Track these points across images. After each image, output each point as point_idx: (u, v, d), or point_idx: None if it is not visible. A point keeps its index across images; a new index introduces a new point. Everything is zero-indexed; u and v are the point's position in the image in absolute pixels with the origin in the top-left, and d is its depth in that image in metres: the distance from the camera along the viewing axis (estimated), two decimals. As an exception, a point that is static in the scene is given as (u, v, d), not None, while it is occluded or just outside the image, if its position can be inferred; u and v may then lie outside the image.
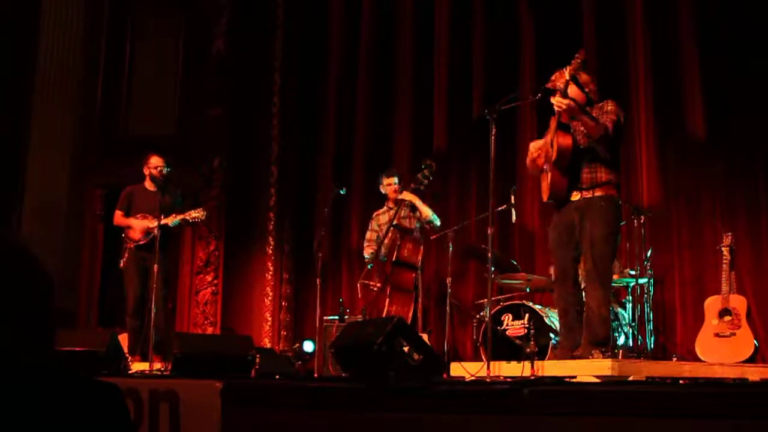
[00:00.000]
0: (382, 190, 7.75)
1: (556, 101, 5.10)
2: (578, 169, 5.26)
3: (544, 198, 5.54)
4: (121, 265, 7.52)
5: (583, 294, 5.46)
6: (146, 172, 7.66)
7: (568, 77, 5.14)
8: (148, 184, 7.65)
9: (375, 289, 7.21)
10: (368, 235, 7.80)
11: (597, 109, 5.30)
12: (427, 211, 7.41)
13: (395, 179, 7.66)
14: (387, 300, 7.00)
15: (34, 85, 9.20)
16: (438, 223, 7.48)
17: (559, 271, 5.44)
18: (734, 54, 7.42)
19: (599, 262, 5.19)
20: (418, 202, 7.41)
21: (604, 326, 5.15)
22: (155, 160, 7.63)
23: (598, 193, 5.23)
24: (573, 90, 5.25)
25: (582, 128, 5.22)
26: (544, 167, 5.45)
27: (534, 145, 5.57)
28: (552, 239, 5.48)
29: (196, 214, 7.48)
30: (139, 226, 7.46)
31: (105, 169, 9.42)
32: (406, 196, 7.37)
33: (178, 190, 7.85)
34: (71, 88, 9.35)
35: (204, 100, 9.77)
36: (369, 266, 7.30)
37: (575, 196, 5.29)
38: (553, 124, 5.33)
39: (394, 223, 7.28)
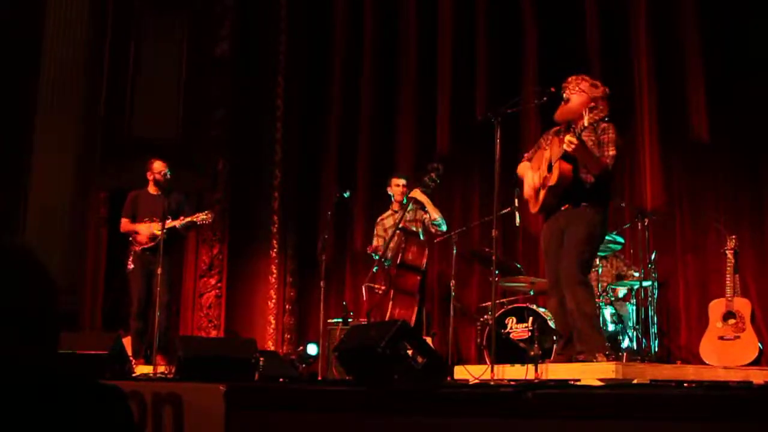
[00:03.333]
0: (389, 191, 7.73)
1: (568, 139, 5.03)
2: (572, 193, 5.26)
3: (533, 210, 5.55)
4: (130, 267, 7.53)
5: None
6: (150, 177, 7.66)
7: (586, 124, 5.04)
8: (152, 189, 7.65)
9: (380, 292, 7.20)
10: (375, 242, 7.77)
11: (597, 132, 5.26)
12: (435, 213, 7.39)
13: (404, 180, 7.65)
14: (390, 303, 6.99)
15: (38, 87, 9.21)
16: (445, 227, 7.45)
17: (552, 280, 5.42)
18: (738, 57, 7.41)
19: (575, 262, 5.16)
20: (428, 203, 7.38)
21: (587, 322, 5.10)
22: (158, 165, 7.61)
23: (584, 203, 5.24)
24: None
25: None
26: (536, 182, 5.47)
27: (528, 179, 5.54)
28: (544, 249, 5.48)
29: (203, 216, 7.48)
30: (146, 231, 7.46)
31: (109, 172, 9.42)
32: (418, 195, 7.32)
33: (181, 194, 7.85)
34: (75, 90, 9.36)
35: (208, 102, 9.78)
36: (385, 262, 7.23)
37: (565, 206, 5.30)
38: (557, 146, 5.25)
39: (400, 225, 7.26)
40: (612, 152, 5.17)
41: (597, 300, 6.25)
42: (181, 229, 7.50)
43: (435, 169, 7.24)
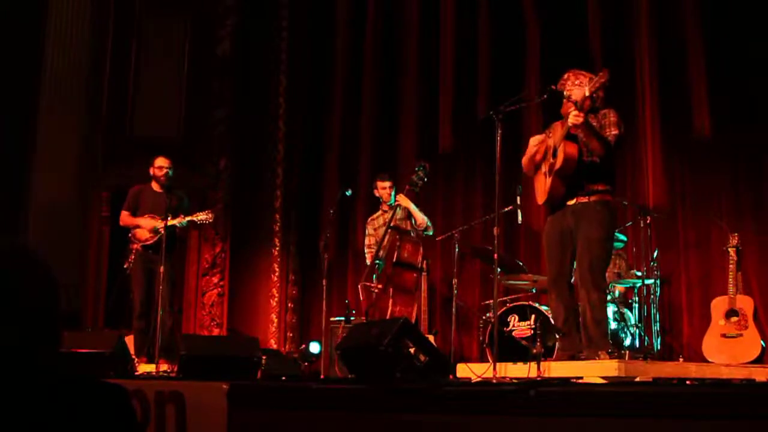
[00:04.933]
0: (376, 194, 7.74)
1: (573, 116, 5.06)
2: (578, 178, 5.25)
3: (540, 201, 5.54)
4: (126, 266, 7.52)
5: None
6: (151, 172, 7.67)
7: (587, 94, 5.10)
8: (155, 185, 7.65)
9: (376, 290, 7.20)
10: (367, 241, 7.79)
11: (598, 118, 5.28)
12: (421, 218, 7.35)
13: (390, 182, 7.64)
14: (390, 301, 7.00)
15: (40, 86, 9.21)
16: (431, 231, 7.45)
17: (554, 274, 5.41)
18: (741, 54, 7.40)
19: (593, 265, 5.17)
20: (412, 208, 7.37)
21: (599, 329, 5.14)
22: (160, 161, 7.62)
23: (594, 199, 5.23)
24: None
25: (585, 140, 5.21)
26: (542, 169, 5.45)
27: (534, 140, 5.55)
28: (547, 243, 5.47)
29: (203, 216, 7.48)
30: (147, 225, 7.45)
31: (111, 171, 9.42)
32: (402, 200, 7.33)
33: (183, 193, 7.85)
34: (77, 89, 9.36)
35: (210, 101, 9.78)
36: (377, 266, 7.27)
37: (571, 201, 5.29)
38: (559, 130, 5.30)
39: (392, 224, 7.26)
40: (615, 131, 5.18)
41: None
42: (180, 228, 7.49)
43: (421, 167, 7.25)
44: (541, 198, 5.51)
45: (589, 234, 5.18)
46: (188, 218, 7.43)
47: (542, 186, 5.47)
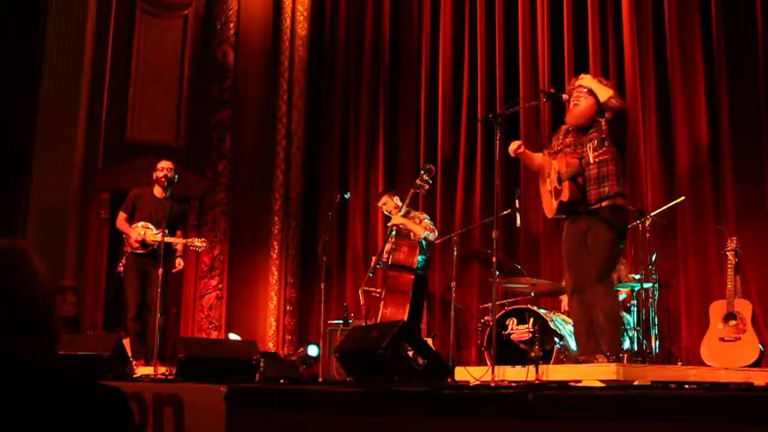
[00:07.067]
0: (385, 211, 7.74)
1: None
2: (587, 187, 5.27)
3: (549, 216, 5.57)
4: (120, 268, 7.50)
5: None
6: (154, 175, 7.61)
7: (591, 161, 5.15)
8: (157, 190, 7.59)
9: (377, 295, 7.19)
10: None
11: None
12: (418, 231, 7.22)
13: (385, 198, 7.58)
14: (382, 303, 6.99)
15: (41, 88, 9.22)
16: (432, 237, 7.35)
17: (573, 283, 5.38)
18: (740, 56, 7.39)
19: (601, 266, 5.18)
20: (409, 225, 7.25)
21: (614, 336, 5.15)
22: (163, 164, 7.59)
23: (605, 204, 5.23)
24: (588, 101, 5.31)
25: (591, 146, 5.22)
26: (548, 186, 5.47)
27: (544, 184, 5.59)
28: (565, 251, 5.44)
29: (199, 243, 7.47)
30: (137, 238, 7.39)
31: (110, 173, 9.43)
32: (397, 220, 7.24)
33: (183, 202, 7.82)
34: (77, 89, 9.37)
35: (209, 103, 9.79)
36: (370, 273, 7.25)
37: (586, 207, 5.29)
38: (563, 163, 5.30)
39: (394, 230, 7.25)
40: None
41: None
42: (172, 245, 7.47)
43: (427, 170, 7.22)
44: (549, 214, 5.53)
45: (598, 237, 5.18)
46: (183, 241, 7.44)
47: (549, 203, 5.48)
